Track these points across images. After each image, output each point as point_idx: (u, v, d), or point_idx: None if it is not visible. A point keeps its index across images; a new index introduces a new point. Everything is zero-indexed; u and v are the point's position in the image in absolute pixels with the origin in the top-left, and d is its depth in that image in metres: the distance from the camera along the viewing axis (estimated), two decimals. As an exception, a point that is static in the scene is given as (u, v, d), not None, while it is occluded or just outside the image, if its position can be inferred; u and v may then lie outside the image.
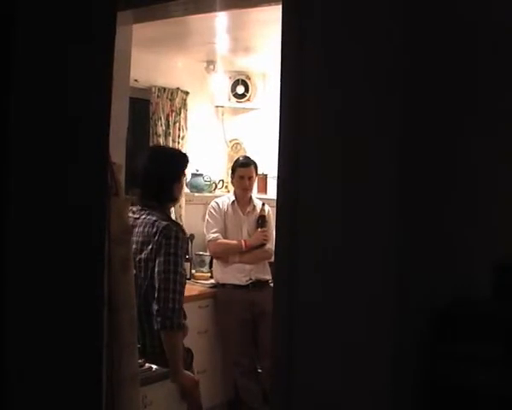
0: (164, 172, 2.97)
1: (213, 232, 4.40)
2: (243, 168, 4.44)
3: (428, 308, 1.78)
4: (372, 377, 1.70)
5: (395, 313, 1.69)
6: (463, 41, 1.89)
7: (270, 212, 4.41)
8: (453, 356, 1.72)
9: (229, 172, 4.67)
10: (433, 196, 1.84)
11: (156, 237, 2.78)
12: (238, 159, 4.60)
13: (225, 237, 4.43)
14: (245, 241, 4.39)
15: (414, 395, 1.77)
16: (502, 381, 1.65)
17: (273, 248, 1.94)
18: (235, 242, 4.40)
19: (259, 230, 4.41)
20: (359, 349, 1.72)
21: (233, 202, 4.47)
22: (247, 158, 4.57)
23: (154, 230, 2.80)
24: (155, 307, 2.71)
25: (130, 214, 2.61)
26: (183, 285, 2.78)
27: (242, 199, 4.48)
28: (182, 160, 3.11)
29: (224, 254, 4.41)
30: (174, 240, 2.76)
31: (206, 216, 4.50)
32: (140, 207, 2.92)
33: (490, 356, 1.67)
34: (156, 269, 2.75)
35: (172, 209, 3.91)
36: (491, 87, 1.98)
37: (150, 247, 2.78)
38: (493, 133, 2.02)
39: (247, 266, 4.37)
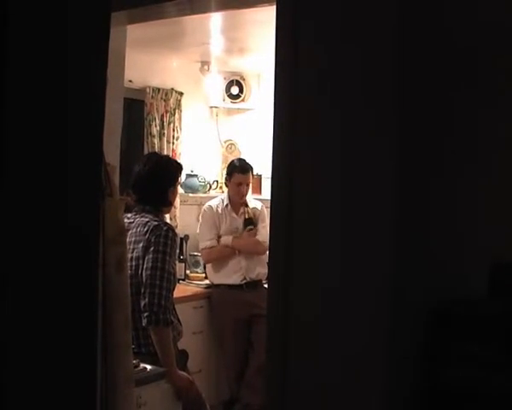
0: (159, 177, 3.03)
1: (207, 240, 4.37)
2: (242, 175, 4.33)
3: (425, 309, 1.78)
4: (369, 378, 1.70)
5: (391, 313, 1.69)
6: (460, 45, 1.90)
7: (264, 207, 4.40)
8: (450, 356, 1.72)
9: (224, 172, 4.65)
10: (430, 195, 1.85)
11: (147, 236, 2.85)
12: (234, 163, 4.44)
13: (220, 239, 4.40)
14: (236, 244, 4.35)
15: (412, 396, 1.77)
16: (500, 380, 1.65)
17: (267, 243, 1.95)
18: (228, 249, 4.35)
19: (246, 231, 4.37)
20: (355, 350, 1.72)
21: (227, 204, 4.42)
22: (244, 162, 4.42)
23: (146, 229, 2.87)
24: (142, 302, 2.76)
25: (126, 220, 2.63)
26: (170, 283, 2.82)
27: (237, 202, 4.44)
28: (176, 166, 3.19)
29: (217, 261, 4.39)
30: (163, 239, 2.83)
31: (200, 220, 4.47)
32: (135, 213, 2.98)
33: (487, 356, 1.67)
34: (144, 266, 2.81)
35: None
36: (491, 86, 1.99)
37: (141, 245, 2.85)
38: (491, 131, 2.02)
39: (243, 265, 4.35)
